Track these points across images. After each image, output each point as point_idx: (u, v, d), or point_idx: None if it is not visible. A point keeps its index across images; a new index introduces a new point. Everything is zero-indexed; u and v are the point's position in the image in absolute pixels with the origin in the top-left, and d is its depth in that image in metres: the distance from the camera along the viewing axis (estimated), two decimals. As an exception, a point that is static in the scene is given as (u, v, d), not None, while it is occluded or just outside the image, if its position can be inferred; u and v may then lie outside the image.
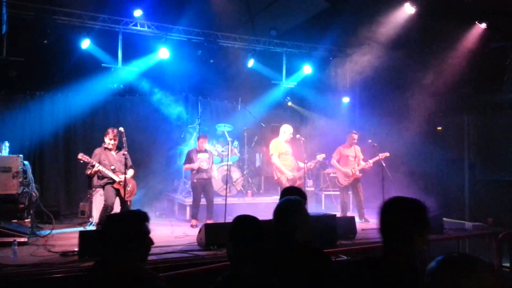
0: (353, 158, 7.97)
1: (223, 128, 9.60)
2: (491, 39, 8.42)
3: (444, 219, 7.34)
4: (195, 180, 7.62)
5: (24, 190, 6.41)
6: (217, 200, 7.96)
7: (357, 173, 7.87)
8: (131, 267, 2.06)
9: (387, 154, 7.76)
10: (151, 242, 2.17)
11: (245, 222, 2.29)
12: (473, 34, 8.55)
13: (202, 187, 7.62)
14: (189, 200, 7.99)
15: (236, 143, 9.59)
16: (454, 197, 9.13)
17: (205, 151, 7.85)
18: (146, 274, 2.10)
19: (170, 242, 5.78)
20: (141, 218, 2.15)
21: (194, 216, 7.56)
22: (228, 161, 8.26)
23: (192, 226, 7.34)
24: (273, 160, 7.58)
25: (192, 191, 7.78)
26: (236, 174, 9.25)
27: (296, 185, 7.09)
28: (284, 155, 7.66)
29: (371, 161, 7.84)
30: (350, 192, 8.52)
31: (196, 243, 5.73)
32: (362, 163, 7.93)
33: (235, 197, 8.87)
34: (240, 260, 2.15)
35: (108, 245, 2.11)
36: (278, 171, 7.60)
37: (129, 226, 2.12)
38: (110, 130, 6.48)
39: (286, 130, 7.76)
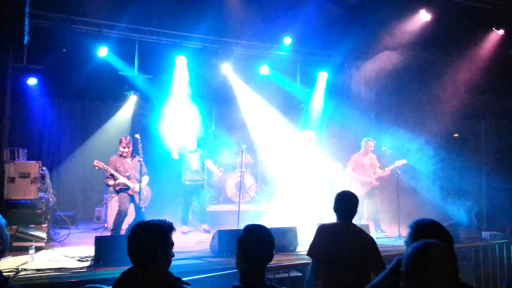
0: (369, 167, 7.73)
1: (237, 135, 9.63)
2: (509, 45, 8.29)
3: (461, 228, 7.22)
4: (187, 183, 7.50)
5: (42, 196, 6.54)
6: (230, 207, 7.96)
7: (374, 181, 7.65)
8: (161, 273, 2.11)
9: (404, 161, 7.53)
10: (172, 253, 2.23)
11: (255, 231, 2.23)
12: (490, 40, 8.43)
13: (194, 191, 7.55)
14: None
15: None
16: (471, 205, 8.96)
17: (195, 150, 7.73)
18: (176, 279, 2.14)
19: (183, 248, 5.81)
20: (169, 228, 2.20)
21: (184, 221, 7.43)
22: (242, 167, 8.27)
23: (183, 232, 7.22)
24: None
25: (183, 195, 7.61)
26: (249, 180, 9.26)
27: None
28: None
29: (388, 169, 7.60)
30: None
31: (209, 250, 5.76)
32: (379, 171, 7.70)
33: (248, 204, 8.86)
34: (248, 269, 2.12)
35: (138, 253, 2.13)
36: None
37: (158, 235, 2.15)
38: (122, 138, 6.57)
39: (306, 136, 7.79)
